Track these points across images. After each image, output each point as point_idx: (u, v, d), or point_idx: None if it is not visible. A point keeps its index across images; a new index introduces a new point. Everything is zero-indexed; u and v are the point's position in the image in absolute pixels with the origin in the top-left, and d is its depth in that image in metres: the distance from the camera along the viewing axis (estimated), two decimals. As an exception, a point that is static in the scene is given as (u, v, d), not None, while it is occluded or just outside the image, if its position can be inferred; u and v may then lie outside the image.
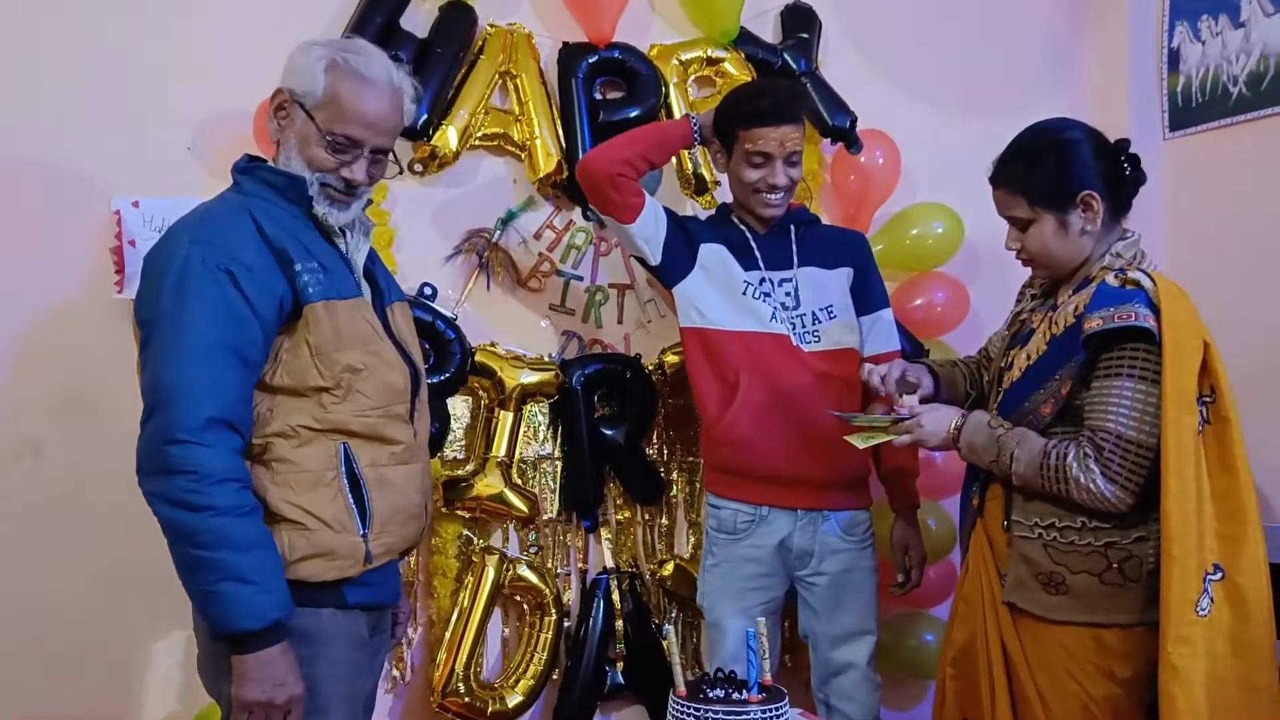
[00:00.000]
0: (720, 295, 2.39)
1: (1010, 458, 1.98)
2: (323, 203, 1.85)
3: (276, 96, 1.85)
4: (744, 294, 2.38)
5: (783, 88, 2.48)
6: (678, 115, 2.80)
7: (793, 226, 2.45)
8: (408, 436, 1.89)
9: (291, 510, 1.75)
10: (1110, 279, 1.96)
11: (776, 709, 1.95)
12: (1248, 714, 1.90)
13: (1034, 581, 2.01)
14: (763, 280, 2.40)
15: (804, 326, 2.41)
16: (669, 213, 2.42)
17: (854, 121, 2.88)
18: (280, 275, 1.76)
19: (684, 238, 2.40)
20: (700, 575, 2.51)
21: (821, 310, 2.42)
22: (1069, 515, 1.98)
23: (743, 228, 2.45)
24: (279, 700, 1.70)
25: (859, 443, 2.14)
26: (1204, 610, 1.86)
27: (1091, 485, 1.90)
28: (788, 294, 2.41)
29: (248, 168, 1.88)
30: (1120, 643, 1.96)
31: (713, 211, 2.61)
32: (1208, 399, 1.94)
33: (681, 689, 1.98)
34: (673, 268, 2.40)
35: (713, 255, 2.40)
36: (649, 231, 2.37)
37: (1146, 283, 1.94)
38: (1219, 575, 1.89)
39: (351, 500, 1.79)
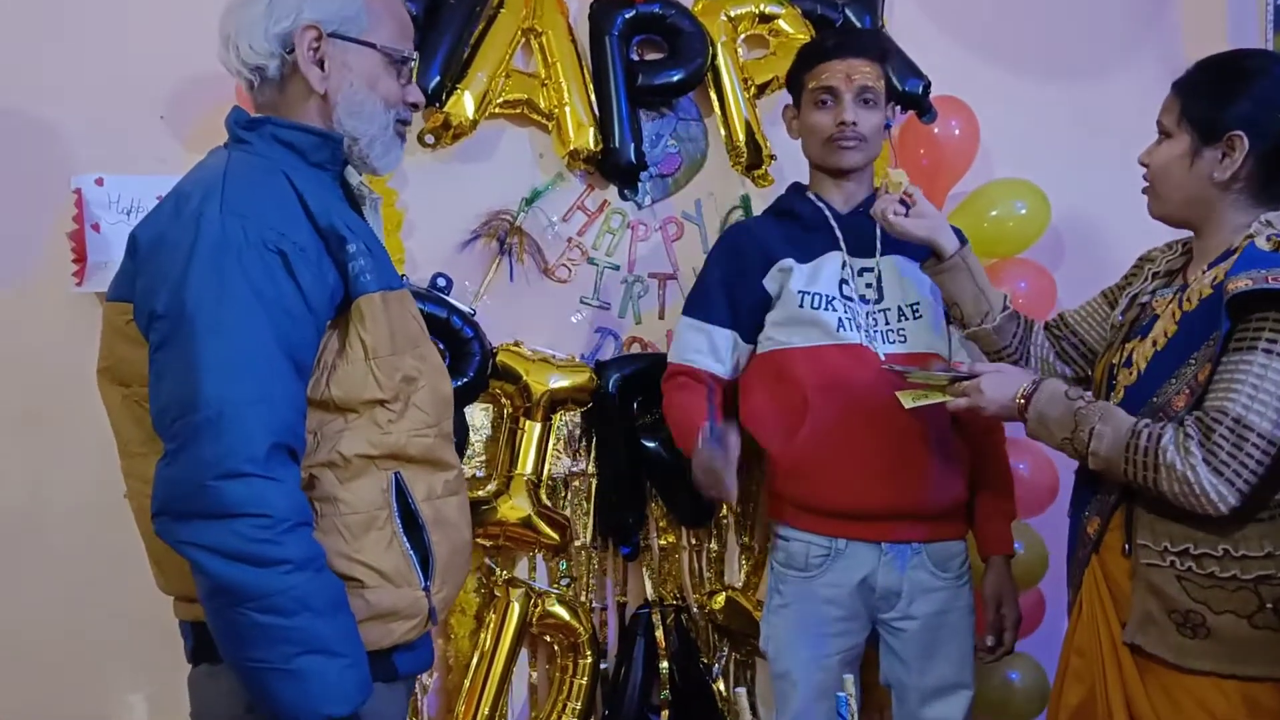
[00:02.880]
0: (781, 311, 2.17)
1: (1090, 434, 1.74)
2: (395, 147, 1.61)
3: (304, 37, 1.52)
4: (800, 305, 2.13)
5: (855, 28, 2.35)
6: (726, 82, 2.57)
7: None
8: (457, 460, 1.62)
9: (344, 564, 1.46)
10: (1261, 241, 1.73)
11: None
12: None
13: (1166, 620, 1.73)
14: (844, 265, 2.14)
15: (886, 324, 2.15)
16: (712, 313, 2.20)
17: (928, 86, 2.62)
18: (330, 259, 1.47)
19: (739, 312, 2.19)
20: (764, 618, 2.24)
21: (908, 307, 2.16)
22: (1209, 539, 1.70)
23: (823, 207, 2.19)
24: None
25: (908, 401, 1.92)
26: None
27: (1189, 474, 1.64)
28: (869, 285, 2.15)
29: (255, 122, 1.54)
30: (1277, 702, 1.67)
31: (765, 196, 2.39)
32: None
33: None
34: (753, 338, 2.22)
35: (775, 281, 2.18)
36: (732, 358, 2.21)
37: None
38: None
39: (408, 545, 1.51)
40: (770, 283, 2.16)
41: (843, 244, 2.15)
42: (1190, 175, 1.79)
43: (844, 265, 2.14)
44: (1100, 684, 1.83)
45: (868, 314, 2.14)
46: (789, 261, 2.14)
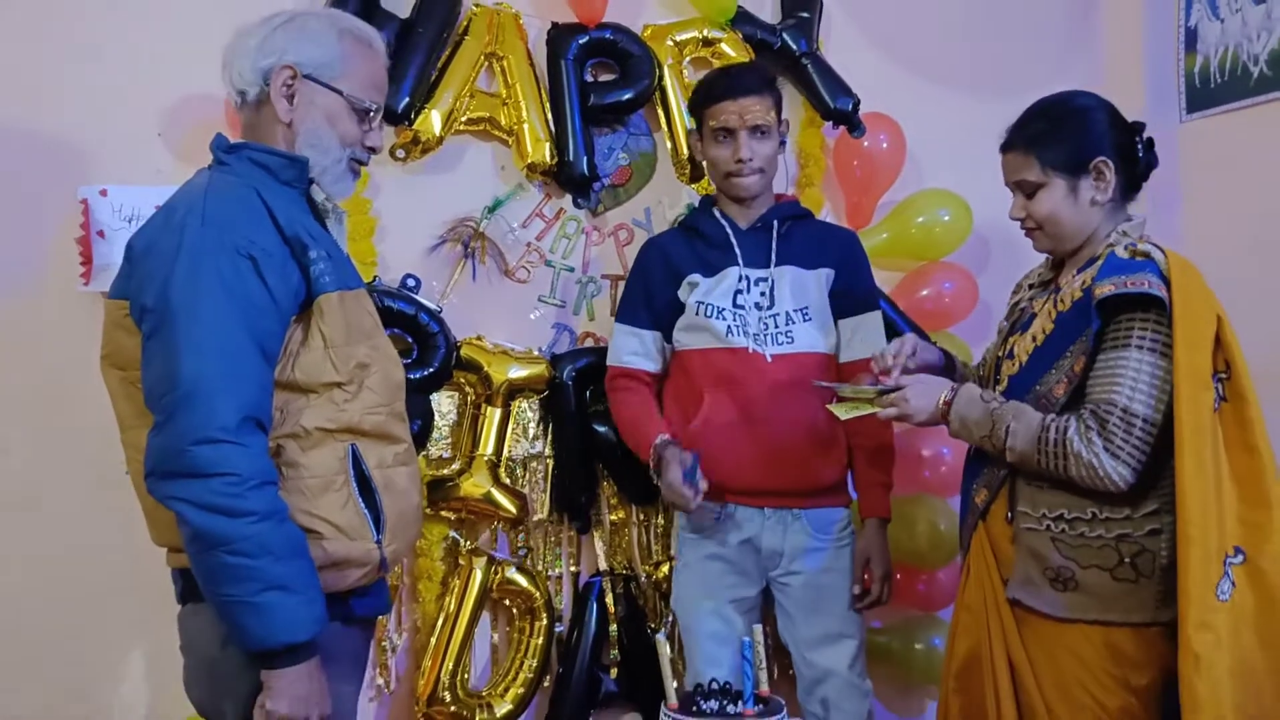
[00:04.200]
0: (684, 318, 2.40)
1: (1006, 431, 1.92)
2: (346, 178, 1.81)
3: (280, 75, 1.74)
4: (696, 314, 2.36)
5: (743, 64, 2.53)
6: (673, 101, 2.76)
7: (776, 222, 2.40)
8: (408, 435, 1.83)
9: (305, 519, 1.65)
10: (1120, 250, 1.93)
11: (775, 722, 1.89)
12: (1276, 706, 1.82)
13: (1041, 578, 1.94)
14: (741, 277, 2.37)
15: (775, 327, 2.36)
16: (639, 319, 2.45)
17: (856, 104, 2.81)
18: (294, 263, 1.67)
19: (659, 315, 2.44)
20: (673, 580, 2.48)
21: (796, 311, 2.37)
22: (1079, 506, 1.91)
23: (724, 223, 2.42)
24: (312, 718, 1.61)
25: (841, 414, 2.10)
26: (1224, 594, 1.80)
27: (1094, 460, 1.84)
28: (763, 293, 2.37)
29: (234, 147, 1.77)
30: (1134, 646, 1.89)
31: (695, 205, 2.57)
32: (1223, 375, 1.88)
33: (673, 701, 1.94)
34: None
35: (684, 292, 2.41)
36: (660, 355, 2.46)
37: (1157, 255, 1.91)
38: (1240, 559, 1.82)
39: (363, 505, 1.71)
40: (682, 293, 2.39)
41: (740, 259, 2.36)
42: (1077, 208, 1.99)
43: (740, 278, 2.36)
44: (985, 635, 2.03)
45: (759, 319, 2.34)
46: (696, 276, 2.37)
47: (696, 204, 2.79)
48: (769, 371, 2.31)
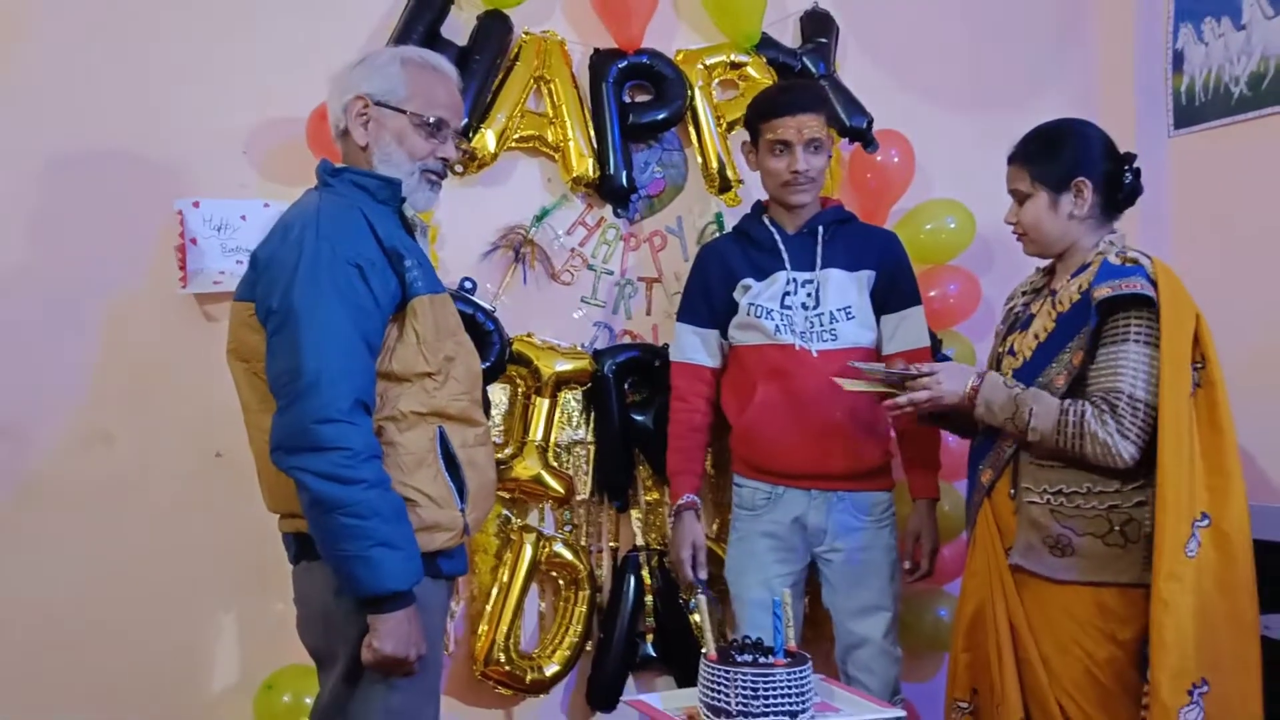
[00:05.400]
0: (738, 317, 2.56)
1: (1030, 414, 2.10)
2: (424, 188, 2.00)
3: (354, 105, 1.96)
4: (748, 314, 2.52)
5: (799, 83, 2.68)
6: (703, 119, 2.92)
7: (821, 228, 2.55)
8: (485, 419, 2.04)
9: (402, 489, 1.85)
10: (1111, 257, 2.15)
11: (800, 672, 2.07)
12: (1232, 645, 2.05)
13: (1041, 545, 2.15)
14: (789, 280, 2.53)
15: (821, 325, 2.51)
16: (699, 318, 2.62)
17: (870, 122, 2.99)
18: (392, 271, 1.88)
19: (717, 314, 2.60)
20: (727, 553, 2.64)
21: (840, 310, 2.52)
22: (1076, 480, 2.13)
23: (772, 229, 2.57)
24: (411, 656, 1.83)
25: (846, 385, 2.27)
26: (1192, 552, 2.02)
27: (1109, 440, 2.05)
28: (809, 295, 2.53)
29: (337, 171, 1.98)
30: (1121, 604, 2.10)
31: (735, 213, 2.75)
32: (1199, 365, 2.09)
33: (713, 653, 2.10)
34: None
35: (739, 294, 2.57)
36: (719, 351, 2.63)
37: (1144, 261, 2.13)
38: (1206, 522, 2.05)
39: (449, 478, 1.92)
40: (736, 294, 2.56)
41: (787, 263, 2.53)
42: (1057, 219, 2.22)
43: (788, 281, 2.52)
44: (989, 597, 2.24)
45: (805, 318, 2.51)
46: (749, 280, 2.55)
47: (723, 213, 2.95)
48: (815, 366, 2.47)
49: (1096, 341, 2.12)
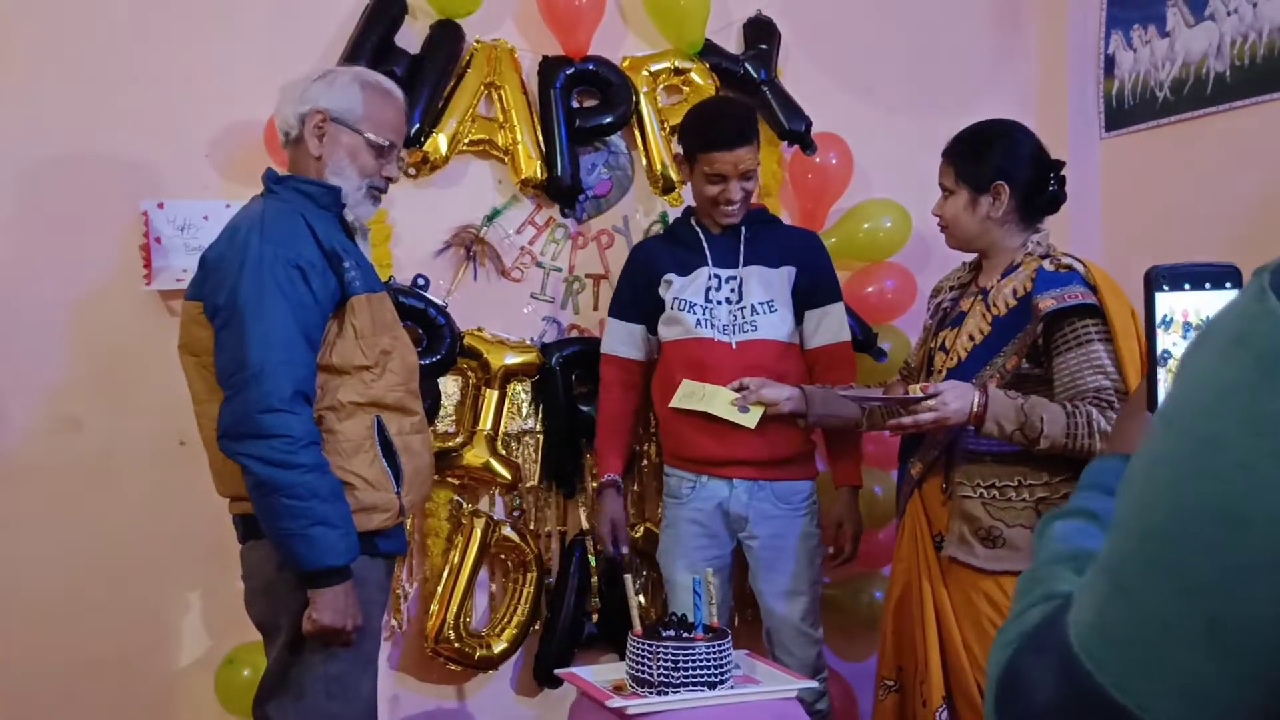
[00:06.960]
0: (664, 313, 2.69)
1: (1041, 421, 2.09)
2: (367, 202, 2.14)
3: (313, 118, 2.09)
4: (671, 308, 2.64)
5: (734, 114, 2.63)
6: (648, 123, 3.01)
7: (744, 228, 2.68)
8: (420, 409, 2.17)
9: (341, 474, 1.99)
10: (1046, 265, 2.21)
11: (718, 646, 2.22)
12: None
13: (974, 537, 2.23)
14: (711, 276, 2.65)
15: (743, 318, 2.63)
16: (626, 314, 2.75)
17: (809, 125, 3.09)
18: (331, 271, 2.02)
19: (644, 310, 2.72)
20: (660, 538, 2.78)
21: (763, 304, 2.64)
22: (1008, 475, 2.21)
23: (699, 231, 2.70)
24: (348, 626, 1.97)
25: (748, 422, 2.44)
26: None
27: None
28: (733, 290, 2.66)
29: (282, 179, 2.12)
30: None
31: (679, 212, 2.86)
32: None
33: (638, 629, 2.25)
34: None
35: (664, 290, 2.68)
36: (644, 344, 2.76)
37: (1079, 266, 2.19)
38: None
39: (386, 463, 2.06)
40: (661, 290, 2.69)
41: (710, 260, 2.66)
42: (974, 218, 2.28)
43: (710, 276, 2.65)
44: (915, 580, 2.34)
45: (729, 312, 2.63)
46: (672, 276, 2.67)
47: (667, 213, 3.06)
48: (733, 357, 2.58)
49: (1049, 349, 2.17)
